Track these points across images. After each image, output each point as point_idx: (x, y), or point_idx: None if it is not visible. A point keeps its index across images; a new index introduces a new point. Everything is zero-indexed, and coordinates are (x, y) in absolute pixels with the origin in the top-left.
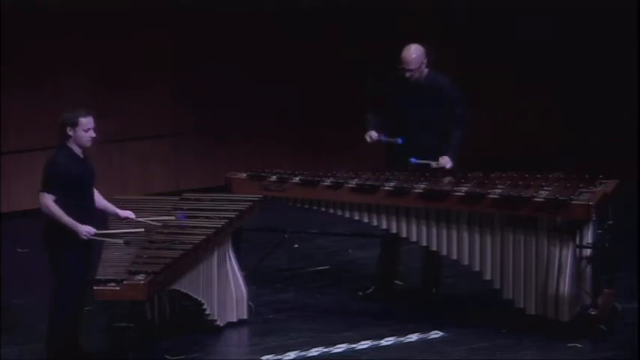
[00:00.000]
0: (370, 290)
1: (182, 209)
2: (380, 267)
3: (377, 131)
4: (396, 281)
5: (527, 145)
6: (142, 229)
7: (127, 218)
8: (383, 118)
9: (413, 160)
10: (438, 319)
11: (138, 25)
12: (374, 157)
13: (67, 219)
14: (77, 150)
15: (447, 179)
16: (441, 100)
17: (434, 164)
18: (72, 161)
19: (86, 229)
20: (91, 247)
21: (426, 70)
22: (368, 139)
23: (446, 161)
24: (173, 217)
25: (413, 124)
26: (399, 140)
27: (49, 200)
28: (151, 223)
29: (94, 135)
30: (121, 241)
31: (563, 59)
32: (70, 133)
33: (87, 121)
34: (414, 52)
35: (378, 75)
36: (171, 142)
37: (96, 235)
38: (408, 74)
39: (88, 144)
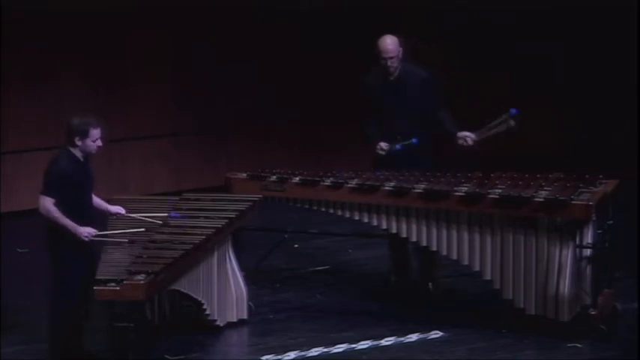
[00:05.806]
0: (393, 281)
1: (181, 209)
2: (393, 264)
3: (383, 139)
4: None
5: (527, 145)
6: (143, 229)
7: (117, 213)
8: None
9: (398, 146)
10: (438, 319)
11: (138, 25)
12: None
13: (67, 221)
14: (79, 154)
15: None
16: (417, 89)
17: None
18: (73, 164)
19: (87, 231)
20: (92, 247)
21: (401, 62)
22: (382, 152)
23: (467, 135)
24: (166, 215)
25: (390, 113)
26: (415, 140)
27: (49, 203)
28: (144, 219)
29: (100, 144)
30: (124, 239)
31: (563, 59)
32: (78, 143)
33: (97, 133)
34: (389, 41)
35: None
36: (172, 142)
37: (97, 236)
38: (389, 62)
39: (94, 152)
